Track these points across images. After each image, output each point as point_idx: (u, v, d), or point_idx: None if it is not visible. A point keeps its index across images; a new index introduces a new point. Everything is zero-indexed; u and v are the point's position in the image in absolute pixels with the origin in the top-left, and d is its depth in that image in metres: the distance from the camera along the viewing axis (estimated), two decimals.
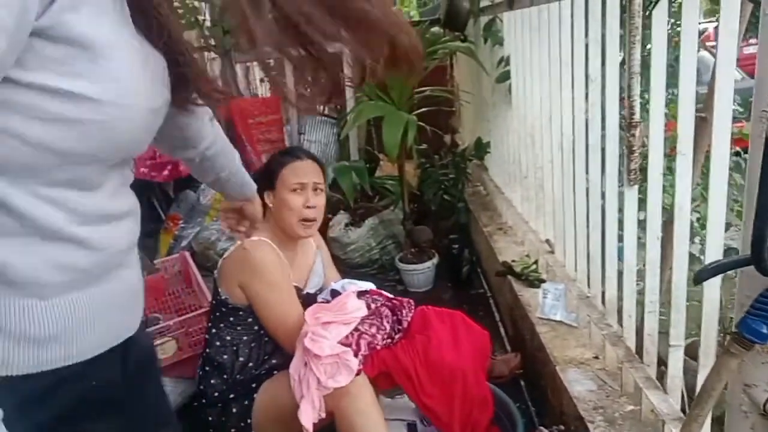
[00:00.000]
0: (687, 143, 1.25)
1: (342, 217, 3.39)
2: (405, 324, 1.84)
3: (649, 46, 1.42)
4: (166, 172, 3.27)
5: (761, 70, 0.83)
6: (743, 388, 0.92)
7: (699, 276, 0.84)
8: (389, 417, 1.91)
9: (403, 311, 1.86)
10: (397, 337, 1.80)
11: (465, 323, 1.88)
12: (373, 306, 1.83)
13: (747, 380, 0.91)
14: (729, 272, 0.91)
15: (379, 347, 1.72)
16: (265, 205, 1.89)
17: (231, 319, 1.85)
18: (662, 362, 1.47)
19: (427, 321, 1.84)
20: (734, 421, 0.96)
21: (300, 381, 1.62)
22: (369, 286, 1.97)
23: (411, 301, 1.92)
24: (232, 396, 1.81)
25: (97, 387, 0.74)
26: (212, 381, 1.84)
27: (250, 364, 1.84)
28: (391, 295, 1.97)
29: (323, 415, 1.60)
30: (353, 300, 1.79)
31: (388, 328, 1.78)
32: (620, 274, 1.62)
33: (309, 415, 1.58)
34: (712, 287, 1.18)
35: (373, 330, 1.74)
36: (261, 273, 1.78)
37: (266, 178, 1.88)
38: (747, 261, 0.78)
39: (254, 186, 1.32)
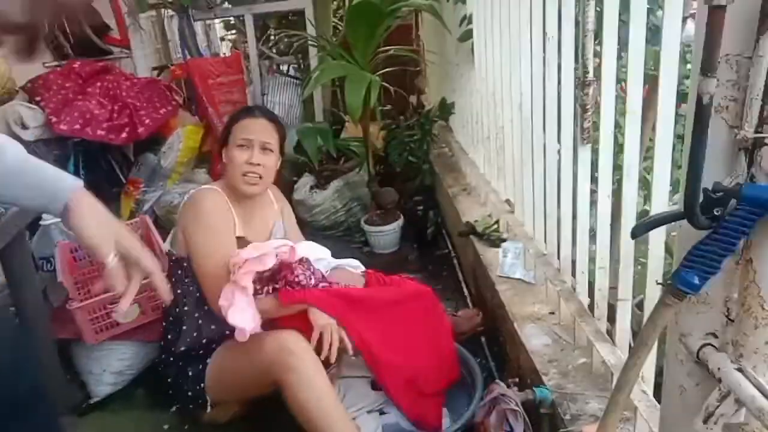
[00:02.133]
0: (636, 101, 1.26)
1: (307, 180, 3.36)
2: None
3: None
4: (124, 135, 3.16)
5: (699, 24, 0.83)
6: (679, 337, 0.95)
7: (634, 231, 0.86)
8: (354, 374, 1.94)
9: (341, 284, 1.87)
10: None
11: (432, 302, 1.92)
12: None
13: (683, 330, 0.94)
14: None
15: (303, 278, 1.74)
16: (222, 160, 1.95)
17: (179, 271, 1.84)
18: (614, 316, 1.52)
19: (402, 299, 1.85)
20: (671, 369, 1.00)
21: (229, 305, 1.62)
22: (326, 253, 1.98)
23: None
24: (192, 353, 1.81)
25: None
26: (169, 336, 1.86)
27: (210, 324, 1.81)
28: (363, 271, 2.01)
29: (258, 319, 1.64)
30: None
31: (320, 275, 1.82)
32: (575, 231, 1.65)
33: (241, 317, 1.61)
34: (656, 242, 1.21)
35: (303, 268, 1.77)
36: (199, 216, 1.78)
37: (223, 135, 1.93)
38: (680, 215, 0.80)
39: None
